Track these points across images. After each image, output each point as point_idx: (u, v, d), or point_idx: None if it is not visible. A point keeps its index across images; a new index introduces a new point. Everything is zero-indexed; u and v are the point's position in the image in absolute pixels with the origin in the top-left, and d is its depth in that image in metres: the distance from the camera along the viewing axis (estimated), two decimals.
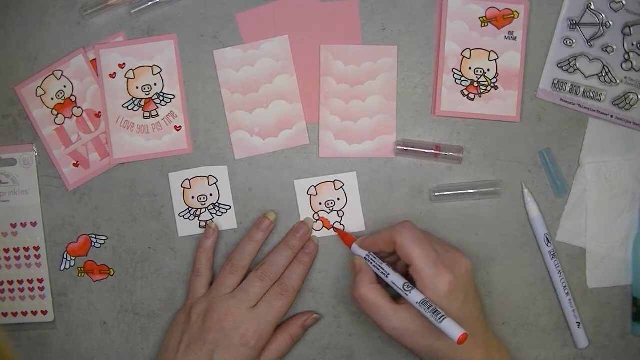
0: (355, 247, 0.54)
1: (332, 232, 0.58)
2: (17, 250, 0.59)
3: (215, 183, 0.58)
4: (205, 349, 0.52)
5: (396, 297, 0.51)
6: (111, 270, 0.59)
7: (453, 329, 0.46)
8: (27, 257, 0.59)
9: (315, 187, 0.58)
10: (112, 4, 0.57)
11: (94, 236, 0.59)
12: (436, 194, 0.57)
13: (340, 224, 0.58)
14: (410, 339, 0.50)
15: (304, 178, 0.58)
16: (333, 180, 0.58)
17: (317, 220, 0.58)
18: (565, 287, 0.57)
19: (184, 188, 0.59)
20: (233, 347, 0.52)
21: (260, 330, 0.53)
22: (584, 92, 0.57)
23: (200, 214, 0.59)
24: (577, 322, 0.57)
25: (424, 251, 0.49)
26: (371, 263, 0.52)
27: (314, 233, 0.58)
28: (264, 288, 0.54)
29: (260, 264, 0.56)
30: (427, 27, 0.58)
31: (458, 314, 0.48)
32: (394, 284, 0.50)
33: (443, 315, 0.47)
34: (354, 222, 0.58)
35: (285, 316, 0.56)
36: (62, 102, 0.58)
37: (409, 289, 0.49)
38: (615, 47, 0.56)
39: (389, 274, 0.51)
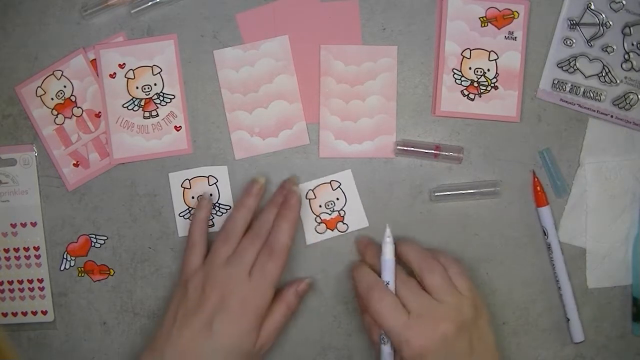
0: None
1: (336, 233, 0.58)
2: (17, 250, 0.59)
3: (215, 183, 0.58)
4: (204, 318, 0.51)
5: None
6: (111, 270, 0.59)
7: None
8: (27, 257, 0.59)
9: (312, 190, 0.58)
10: (112, 4, 0.57)
11: (94, 236, 0.59)
12: (436, 194, 0.57)
13: (344, 224, 0.58)
14: None
15: (302, 182, 0.58)
16: (329, 181, 0.58)
17: (319, 222, 0.58)
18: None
19: (184, 188, 0.59)
20: (232, 315, 0.51)
21: (257, 297, 0.52)
22: (584, 92, 0.57)
23: None
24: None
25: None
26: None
27: (319, 236, 0.58)
28: (257, 250, 0.53)
29: (250, 228, 0.54)
30: (427, 27, 0.58)
31: None
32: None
33: None
34: (357, 219, 0.58)
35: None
36: (62, 102, 0.58)
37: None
38: (615, 47, 0.56)
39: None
